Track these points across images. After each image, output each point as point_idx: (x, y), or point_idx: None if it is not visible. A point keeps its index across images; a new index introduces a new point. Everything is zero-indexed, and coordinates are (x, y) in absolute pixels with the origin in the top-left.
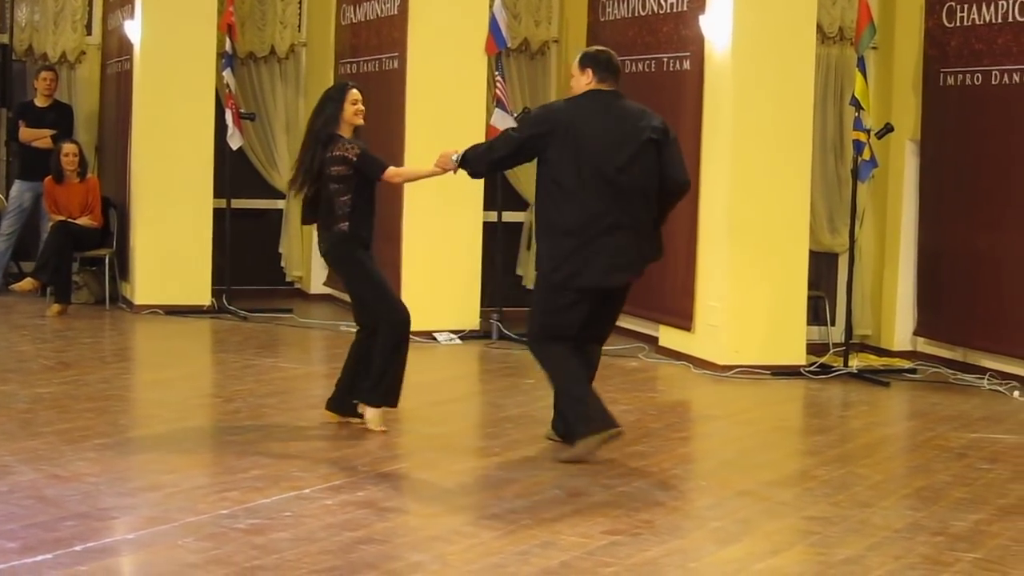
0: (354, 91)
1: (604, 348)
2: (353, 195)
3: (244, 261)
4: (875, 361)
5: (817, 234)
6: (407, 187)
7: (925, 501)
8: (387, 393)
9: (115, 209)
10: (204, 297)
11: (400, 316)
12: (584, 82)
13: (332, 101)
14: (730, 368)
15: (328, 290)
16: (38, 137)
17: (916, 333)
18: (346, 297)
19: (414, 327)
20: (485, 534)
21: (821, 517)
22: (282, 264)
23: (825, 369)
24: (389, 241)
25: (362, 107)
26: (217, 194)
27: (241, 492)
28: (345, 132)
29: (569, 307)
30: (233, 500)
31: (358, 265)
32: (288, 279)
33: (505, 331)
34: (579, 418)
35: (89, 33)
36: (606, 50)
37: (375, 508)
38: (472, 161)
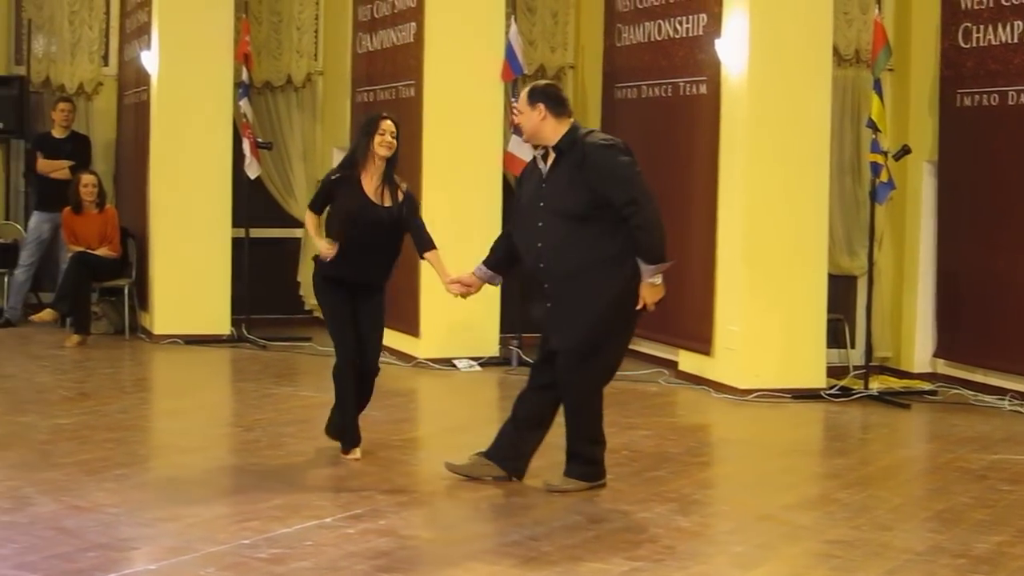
0: (384, 122)
1: (624, 373)
2: (329, 219)
3: (262, 290)
4: (895, 383)
5: (836, 257)
6: (424, 213)
7: (946, 523)
8: (339, 435)
9: (133, 239)
10: (223, 326)
11: (341, 359)
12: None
13: (362, 132)
14: (750, 392)
15: None
16: (56, 168)
17: (936, 355)
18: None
19: (434, 354)
20: (505, 561)
21: (842, 541)
22: (300, 292)
23: (845, 392)
24: (406, 269)
25: (390, 139)
26: (235, 223)
27: (261, 521)
28: (373, 162)
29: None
30: (254, 529)
31: (321, 297)
32: (306, 308)
33: (524, 358)
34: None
35: (106, 64)
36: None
37: (396, 536)
38: (660, 244)
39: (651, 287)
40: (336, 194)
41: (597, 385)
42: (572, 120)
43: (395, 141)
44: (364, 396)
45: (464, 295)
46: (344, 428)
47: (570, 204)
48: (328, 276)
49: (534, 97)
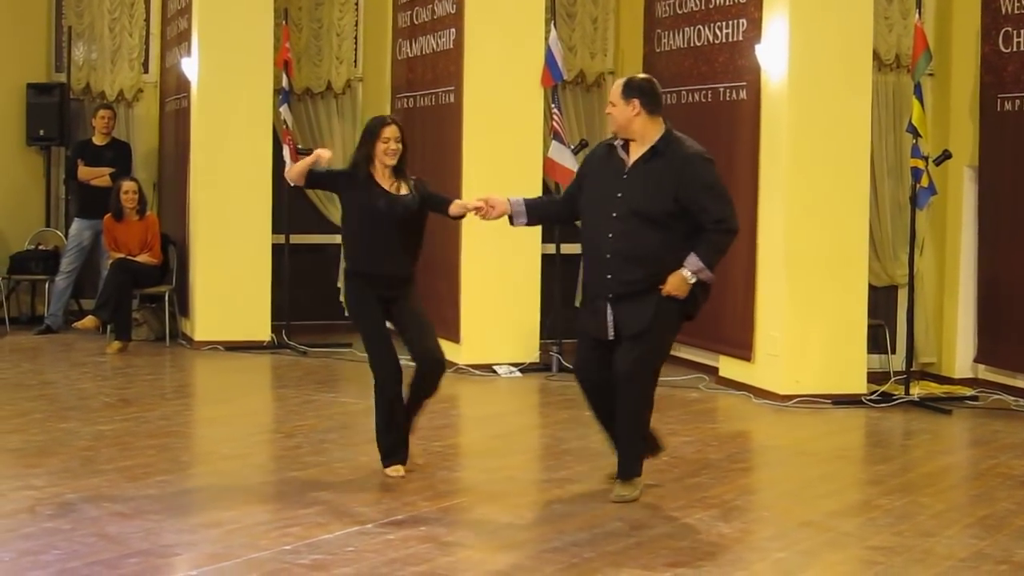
0: (386, 129)
1: (665, 379)
2: (345, 218)
3: (303, 296)
4: (936, 389)
5: (882, 262)
6: (464, 222)
7: (989, 530)
8: (383, 452)
9: (174, 246)
10: (264, 333)
11: (378, 378)
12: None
13: (363, 139)
14: (791, 398)
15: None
16: (97, 176)
17: (977, 360)
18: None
19: (474, 359)
20: (548, 568)
21: (885, 547)
22: (340, 299)
23: (886, 398)
24: (447, 277)
25: (395, 146)
26: (275, 230)
27: (303, 528)
28: (378, 171)
29: None
30: (295, 536)
31: (353, 307)
32: (346, 314)
33: (565, 363)
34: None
35: (146, 71)
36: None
37: (437, 543)
38: (718, 258)
39: (682, 280)
40: (347, 187)
41: (655, 376)
42: (663, 120)
43: (400, 146)
44: (426, 392)
45: (484, 215)
46: (386, 445)
47: (653, 206)
48: (359, 272)
49: (631, 92)
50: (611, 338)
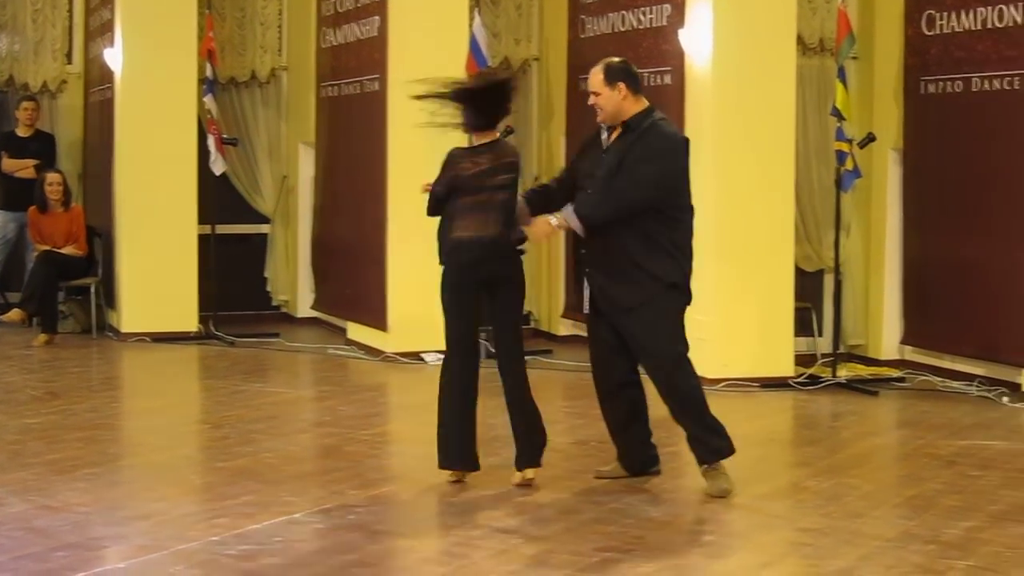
0: None
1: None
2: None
3: (230, 286)
4: (863, 371)
5: (809, 246)
6: (390, 206)
7: (916, 510)
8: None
9: (100, 238)
10: (191, 323)
11: (449, 363)
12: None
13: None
14: (719, 381)
15: (315, 313)
16: (21, 167)
17: (904, 342)
18: (335, 320)
19: (402, 347)
20: (477, 554)
21: (813, 528)
22: (268, 288)
23: (814, 380)
24: (374, 263)
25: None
26: (202, 220)
27: (231, 519)
28: None
29: None
30: (223, 527)
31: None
32: (274, 303)
33: (492, 349)
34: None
35: (70, 62)
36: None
37: (366, 531)
38: (597, 217)
39: (549, 225)
40: None
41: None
42: (644, 98)
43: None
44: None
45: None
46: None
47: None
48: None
49: (614, 76)
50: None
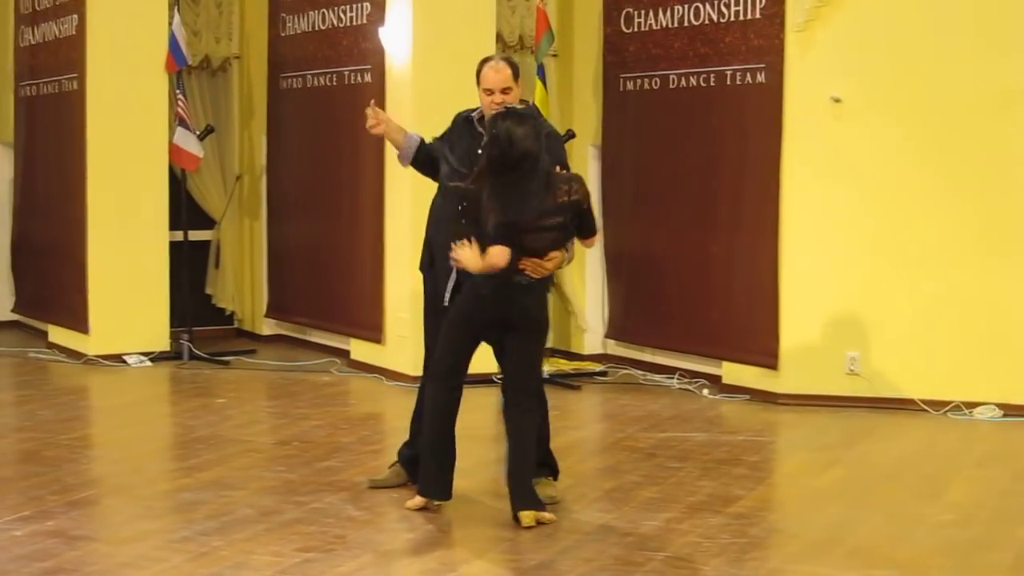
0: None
1: (294, 363)
2: None
3: None
4: (566, 365)
5: None
6: (90, 206)
7: (616, 502)
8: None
9: None
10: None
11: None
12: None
13: None
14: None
15: (16, 316)
16: None
17: (606, 336)
18: (36, 324)
19: (104, 349)
20: (176, 558)
21: (512, 524)
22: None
23: None
24: (72, 262)
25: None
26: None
27: None
28: None
29: None
30: None
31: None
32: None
33: (196, 351)
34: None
35: None
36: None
37: (64, 537)
38: None
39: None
40: None
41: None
42: None
43: None
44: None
45: (373, 125)
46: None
47: None
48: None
49: (517, 73)
50: None
